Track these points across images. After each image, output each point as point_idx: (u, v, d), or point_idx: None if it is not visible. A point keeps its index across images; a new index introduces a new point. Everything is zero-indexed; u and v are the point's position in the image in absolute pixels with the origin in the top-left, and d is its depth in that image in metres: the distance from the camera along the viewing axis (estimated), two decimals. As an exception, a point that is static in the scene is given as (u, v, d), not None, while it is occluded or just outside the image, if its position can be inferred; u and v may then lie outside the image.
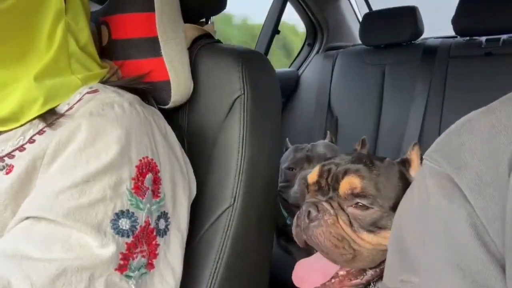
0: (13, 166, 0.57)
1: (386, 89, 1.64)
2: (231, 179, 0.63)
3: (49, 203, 0.47)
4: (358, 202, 0.62)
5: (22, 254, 0.45)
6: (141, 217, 0.51)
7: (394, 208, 0.61)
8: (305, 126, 1.76)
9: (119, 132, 0.52)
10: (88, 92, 0.59)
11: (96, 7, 0.76)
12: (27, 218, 0.48)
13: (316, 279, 0.63)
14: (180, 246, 0.57)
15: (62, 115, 0.57)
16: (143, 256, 0.51)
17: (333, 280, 0.64)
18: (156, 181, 0.54)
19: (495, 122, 0.37)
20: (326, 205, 0.63)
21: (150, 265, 0.52)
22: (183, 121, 0.75)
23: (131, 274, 0.49)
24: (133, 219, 0.50)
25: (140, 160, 0.53)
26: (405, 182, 0.65)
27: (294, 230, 0.66)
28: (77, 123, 0.52)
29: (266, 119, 0.69)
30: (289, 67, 1.99)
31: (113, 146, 0.51)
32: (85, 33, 0.63)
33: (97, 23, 0.72)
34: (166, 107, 0.70)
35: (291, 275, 1.15)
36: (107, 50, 0.71)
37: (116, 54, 0.69)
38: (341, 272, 0.65)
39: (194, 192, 0.64)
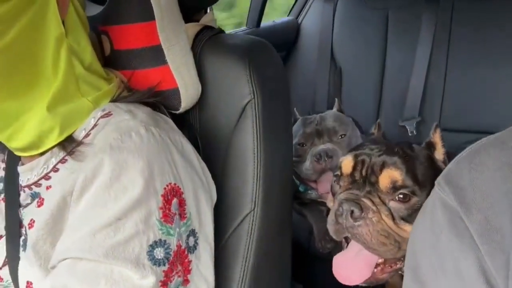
0: (43, 199, 0.59)
1: (390, 36, 1.59)
2: (249, 185, 0.66)
3: (87, 244, 0.51)
4: (400, 194, 0.63)
5: None
6: (173, 242, 0.55)
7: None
8: (308, 79, 1.73)
9: (141, 165, 0.54)
10: (101, 116, 0.60)
11: (92, 9, 0.73)
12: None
13: (363, 274, 0.65)
14: (210, 257, 0.61)
15: (81, 143, 0.58)
16: (179, 276, 0.55)
17: (375, 270, 0.66)
18: (182, 204, 0.57)
19: (504, 160, 0.37)
20: (367, 202, 0.63)
21: (185, 281, 0.57)
22: (194, 120, 0.76)
23: None
24: (166, 246, 0.54)
25: (165, 188, 0.55)
26: (434, 168, 0.67)
27: (332, 227, 0.66)
28: (99, 158, 0.54)
29: (278, 120, 0.69)
30: (288, 15, 1.91)
31: (138, 180, 0.53)
32: (88, 52, 0.62)
33: (97, 32, 0.70)
34: (177, 112, 0.71)
35: (303, 236, 1.21)
36: (111, 60, 0.69)
37: (122, 64, 0.69)
38: (380, 260, 0.67)
39: (215, 197, 0.67)
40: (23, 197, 0.63)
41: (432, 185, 0.63)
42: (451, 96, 1.48)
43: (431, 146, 0.71)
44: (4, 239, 0.64)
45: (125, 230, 0.51)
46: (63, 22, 0.58)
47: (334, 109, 1.12)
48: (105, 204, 0.52)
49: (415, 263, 0.44)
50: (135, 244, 0.51)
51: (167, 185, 0.55)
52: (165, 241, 0.54)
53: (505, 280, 0.35)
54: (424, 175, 0.65)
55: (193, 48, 0.74)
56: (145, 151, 0.55)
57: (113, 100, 0.64)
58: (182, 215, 0.57)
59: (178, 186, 0.57)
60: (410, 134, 1.52)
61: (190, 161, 0.63)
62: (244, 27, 1.70)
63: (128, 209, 0.52)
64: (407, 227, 0.63)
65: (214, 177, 0.67)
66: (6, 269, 0.62)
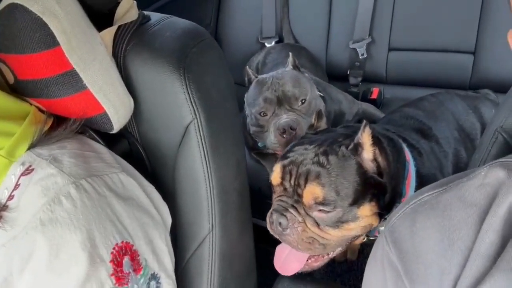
0: None
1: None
2: (204, 207, 0.63)
3: None
4: (321, 208, 0.66)
5: None
6: None
7: (353, 203, 0.67)
8: (254, 4, 1.57)
9: (79, 237, 0.49)
10: (22, 174, 0.53)
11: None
12: None
13: (295, 267, 0.73)
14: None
15: (6, 207, 0.52)
16: None
17: (308, 261, 0.74)
18: (134, 257, 0.54)
19: (445, 233, 0.39)
20: (294, 212, 0.68)
21: None
22: (133, 130, 0.69)
23: None
24: None
25: (112, 253, 0.52)
26: (362, 174, 0.68)
27: (270, 230, 0.72)
28: (32, 237, 0.49)
29: (225, 133, 0.64)
30: None
31: (80, 255, 0.49)
32: None
33: (-9, 57, 0.57)
34: (112, 132, 0.63)
35: (263, 182, 1.24)
36: (18, 88, 0.58)
37: (32, 93, 0.58)
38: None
39: (169, 220, 0.64)
40: None
41: (356, 193, 0.66)
42: (401, 14, 1.42)
43: (358, 147, 0.69)
44: None
45: None
46: None
47: (289, 67, 1.03)
48: (50, 283, 0.49)
49: None
50: None
51: (114, 248, 0.52)
52: (125, 303, 0.53)
53: None
54: (348, 186, 0.67)
55: (115, 54, 0.63)
56: (81, 218, 0.50)
57: (33, 145, 0.55)
58: (136, 269, 0.55)
59: (126, 242, 0.54)
60: (360, 57, 1.49)
61: (135, 198, 0.58)
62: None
63: (77, 286, 0.49)
64: (331, 231, 0.69)
65: (165, 196, 0.63)
66: None
